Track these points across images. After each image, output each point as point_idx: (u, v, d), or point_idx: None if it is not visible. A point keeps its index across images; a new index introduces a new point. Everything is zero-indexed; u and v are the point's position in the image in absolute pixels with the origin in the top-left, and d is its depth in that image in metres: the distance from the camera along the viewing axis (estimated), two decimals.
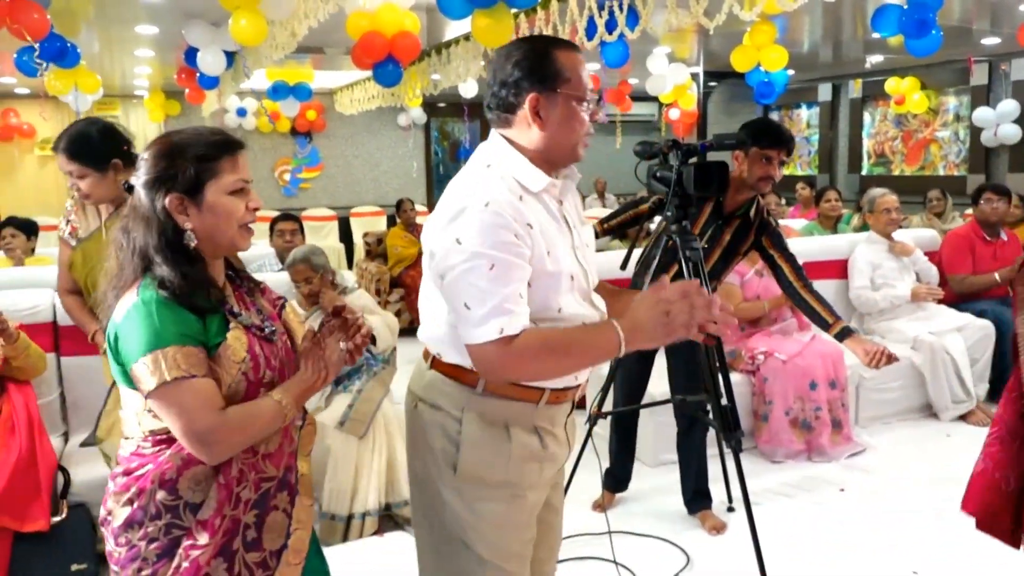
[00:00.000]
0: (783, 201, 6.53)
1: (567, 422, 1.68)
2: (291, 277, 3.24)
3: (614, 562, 2.66)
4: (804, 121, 10.77)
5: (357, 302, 3.23)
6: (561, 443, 1.66)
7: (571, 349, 1.45)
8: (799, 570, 2.82)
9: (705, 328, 1.38)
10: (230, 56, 5.57)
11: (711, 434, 3.17)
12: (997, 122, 7.88)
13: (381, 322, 3.31)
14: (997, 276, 4.56)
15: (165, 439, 1.47)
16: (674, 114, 8.63)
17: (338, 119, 10.21)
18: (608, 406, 3.09)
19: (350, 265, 9.34)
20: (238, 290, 1.62)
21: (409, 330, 4.99)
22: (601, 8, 3.76)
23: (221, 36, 5.27)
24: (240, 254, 1.67)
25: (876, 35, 4.79)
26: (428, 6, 4.56)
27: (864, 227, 5.02)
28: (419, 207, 7.66)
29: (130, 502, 1.46)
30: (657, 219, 3.02)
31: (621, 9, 3.69)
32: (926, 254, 4.66)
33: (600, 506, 3.26)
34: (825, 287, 4.27)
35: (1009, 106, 7.76)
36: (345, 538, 3.00)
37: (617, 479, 3.31)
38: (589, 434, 2.87)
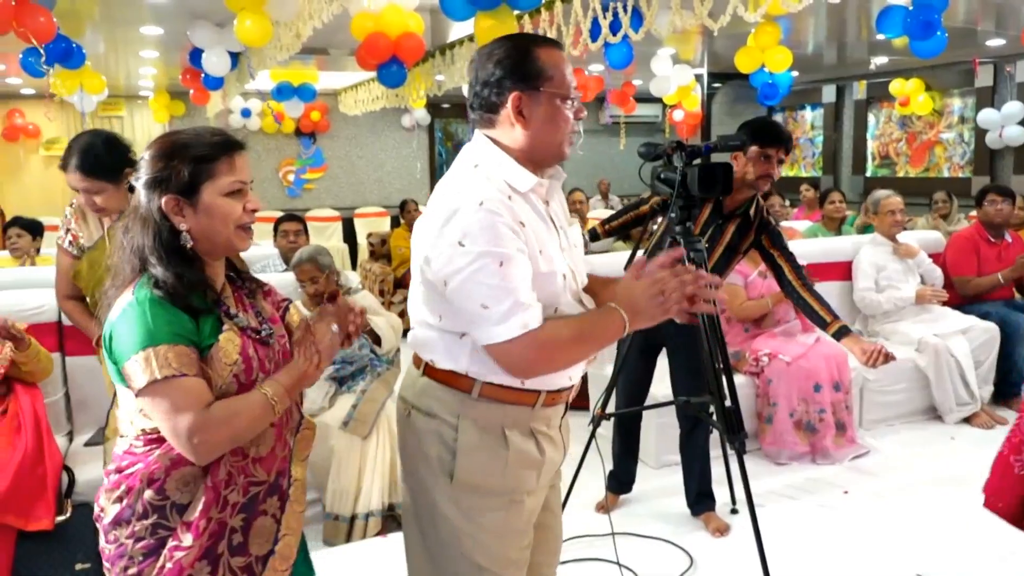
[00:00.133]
0: (787, 203, 6.51)
1: (562, 424, 1.68)
2: (297, 277, 3.25)
3: (617, 563, 2.66)
4: (808, 123, 10.75)
5: (361, 303, 3.21)
6: (557, 445, 1.66)
7: (585, 336, 1.48)
8: (803, 572, 2.81)
9: (696, 301, 1.45)
10: (235, 57, 5.59)
11: (714, 436, 3.16)
12: (1002, 124, 7.88)
13: (385, 323, 3.32)
14: (1000, 277, 4.55)
15: (156, 438, 1.46)
16: (678, 115, 8.61)
17: (342, 120, 10.22)
18: (611, 407, 3.08)
19: (354, 266, 9.34)
20: (238, 291, 1.61)
21: None
22: (605, 9, 3.75)
23: (226, 37, 5.29)
24: (244, 255, 1.67)
25: (881, 36, 4.79)
26: (432, 7, 4.56)
27: (867, 228, 5.01)
28: (423, 208, 7.64)
29: (119, 500, 1.46)
30: (659, 219, 3.03)
31: (625, 10, 3.69)
32: (930, 256, 4.65)
33: (603, 508, 3.26)
34: (829, 289, 4.28)
35: (1014, 108, 7.76)
36: (349, 538, 3.01)
37: (620, 481, 3.31)
38: (592, 436, 2.86)
